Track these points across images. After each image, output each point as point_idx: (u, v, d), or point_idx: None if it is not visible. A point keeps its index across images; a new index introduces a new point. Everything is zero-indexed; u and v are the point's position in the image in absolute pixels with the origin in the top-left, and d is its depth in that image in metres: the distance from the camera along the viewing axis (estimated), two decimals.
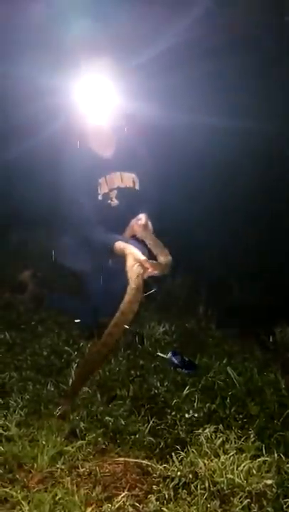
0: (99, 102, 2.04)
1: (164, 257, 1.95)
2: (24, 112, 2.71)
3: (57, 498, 1.19)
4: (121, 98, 2.05)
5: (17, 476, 1.27)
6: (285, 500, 1.26)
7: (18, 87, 2.67)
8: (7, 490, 1.21)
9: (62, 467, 1.30)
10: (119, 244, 1.92)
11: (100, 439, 1.44)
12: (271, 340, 2.36)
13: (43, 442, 1.38)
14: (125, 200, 2.16)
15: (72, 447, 1.38)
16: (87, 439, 1.43)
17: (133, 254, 1.85)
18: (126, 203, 2.15)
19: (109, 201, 2.14)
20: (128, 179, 2.18)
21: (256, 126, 2.67)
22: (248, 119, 2.65)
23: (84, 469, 1.31)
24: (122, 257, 1.89)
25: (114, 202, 2.15)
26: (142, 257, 1.85)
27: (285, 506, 1.25)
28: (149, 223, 2.06)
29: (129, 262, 1.83)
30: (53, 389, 1.67)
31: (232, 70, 2.88)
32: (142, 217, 2.05)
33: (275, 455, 1.43)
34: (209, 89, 2.85)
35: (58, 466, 1.30)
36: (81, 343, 1.99)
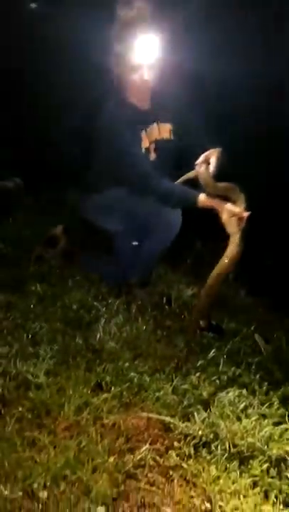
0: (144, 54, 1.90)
1: (241, 200, 1.81)
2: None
3: (81, 445, 1.24)
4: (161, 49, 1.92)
5: (44, 422, 1.32)
6: None
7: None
8: (35, 434, 1.27)
9: (88, 417, 1.35)
10: (205, 199, 1.82)
11: (124, 393, 1.48)
12: None
13: (70, 392, 1.43)
14: (163, 153, 2.07)
15: (98, 399, 1.42)
16: (112, 392, 1.47)
17: (226, 208, 1.78)
18: (164, 155, 2.06)
19: (149, 155, 2.05)
20: (165, 130, 2.07)
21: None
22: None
23: (108, 421, 1.36)
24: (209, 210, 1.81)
25: (153, 155, 2.06)
26: (236, 209, 1.77)
27: None
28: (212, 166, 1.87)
29: (225, 216, 1.77)
30: (81, 342, 1.71)
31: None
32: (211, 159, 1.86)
33: None
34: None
35: (83, 415, 1.35)
36: (110, 300, 2.01)
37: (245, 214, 1.76)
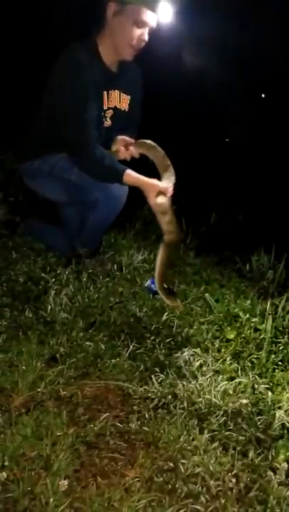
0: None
1: (170, 173, 1.79)
2: None
3: (39, 420, 1.20)
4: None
5: None
6: (259, 417, 1.34)
7: None
8: None
9: (44, 391, 1.31)
10: (130, 175, 1.78)
11: (80, 363, 1.45)
12: (248, 268, 2.39)
13: (23, 367, 1.37)
14: (118, 124, 1.98)
15: (53, 372, 1.38)
16: (67, 363, 1.43)
17: (150, 184, 1.74)
18: (118, 126, 1.97)
19: (103, 119, 1.95)
20: (124, 100, 1.99)
21: None
22: None
23: (65, 393, 1.33)
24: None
25: (108, 122, 1.97)
26: (162, 185, 1.74)
27: (258, 423, 1.32)
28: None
29: (151, 196, 1.73)
30: (31, 315, 1.64)
31: None
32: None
33: (250, 376, 1.49)
34: None
35: (39, 390, 1.31)
36: (58, 271, 1.94)
37: (169, 190, 1.73)
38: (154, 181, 1.77)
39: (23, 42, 3.13)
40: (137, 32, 1.84)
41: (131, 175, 1.79)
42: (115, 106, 1.98)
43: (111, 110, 1.97)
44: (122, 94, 1.99)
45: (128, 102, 2.02)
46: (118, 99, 1.99)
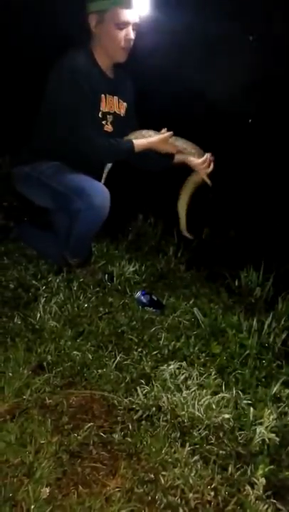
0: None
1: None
2: None
3: (23, 428, 1.21)
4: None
5: None
6: (240, 432, 1.36)
7: None
8: None
9: (29, 398, 1.32)
10: (138, 143, 1.96)
11: (66, 372, 1.47)
12: (237, 283, 2.43)
13: (10, 374, 1.38)
14: (119, 129, 2.06)
15: (39, 380, 1.40)
16: (54, 372, 1.45)
17: (158, 140, 1.98)
18: (119, 132, 2.05)
19: (104, 123, 2.03)
20: (122, 107, 2.08)
21: None
22: None
23: (51, 401, 1.34)
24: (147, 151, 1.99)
25: (109, 127, 2.05)
26: (165, 134, 1.99)
27: (239, 438, 1.34)
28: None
29: (165, 148, 2.01)
30: (20, 322, 1.65)
31: None
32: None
33: (234, 391, 1.52)
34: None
35: (24, 397, 1.32)
36: (49, 278, 1.96)
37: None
38: (159, 135, 1.99)
39: (21, 47, 3.17)
40: (122, 33, 1.92)
41: (138, 143, 1.96)
42: (114, 111, 2.05)
43: (111, 115, 2.04)
44: (119, 100, 2.07)
45: (125, 108, 2.09)
46: (116, 105, 2.06)
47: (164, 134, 1.99)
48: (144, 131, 2.03)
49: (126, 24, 1.91)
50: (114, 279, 2.11)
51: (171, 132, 1.99)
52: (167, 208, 2.84)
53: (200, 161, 2.06)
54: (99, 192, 1.92)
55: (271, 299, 2.28)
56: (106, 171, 2.11)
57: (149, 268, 2.33)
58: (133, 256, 2.41)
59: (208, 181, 2.11)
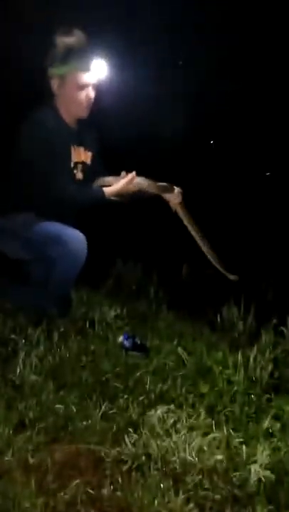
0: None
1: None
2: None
3: (5, 491, 1.14)
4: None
5: None
6: (234, 473, 1.31)
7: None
8: None
9: (11, 459, 1.25)
10: (108, 190, 2.04)
11: (50, 427, 1.41)
12: (219, 319, 2.43)
13: None
14: (88, 177, 2.16)
15: (21, 438, 1.33)
16: (36, 428, 1.39)
17: (125, 182, 2.05)
18: (88, 179, 2.15)
19: (75, 172, 2.13)
20: (87, 156, 2.18)
21: None
22: None
23: (34, 459, 1.27)
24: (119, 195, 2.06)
25: (79, 175, 2.14)
26: (130, 176, 2.06)
27: (234, 479, 1.29)
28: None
29: (132, 188, 2.07)
30: None
31: None
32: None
33: (225, 431, 1.47)
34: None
35: (5, 458, 1.25)
36: (29, 331, 1.92)
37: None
38: (124, 177, 2.05)
39: None
40: (83, 94, 2.05)
41: (108, 190, 2.04)
42: (82, 160, 2.15)
43: (80, 164, 2.14)
44: (85, 150, 2.18)
45: (90, 156, 2.20)
46: (83, 155, 2.17)
47: (128, 176, 2.07)
48: (106, 178, 2.13)
49: (86, 85, 2.05)
50: (96, 325, 2.09)
51: (134, 172, 2.07)
52: (145, 250, 2.88)
53: (170, 195, 2.18)
54: (75, 237, 1.99)
55: (254, 331, 2.28)
56: None
57: (130, 311, 2.31)
58: (114, 301, 2.41)
59: (182, 212, 2.20)
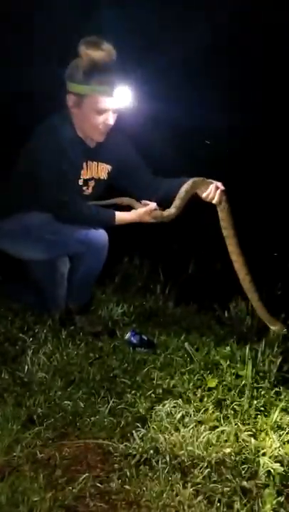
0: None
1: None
2: None
3: (15, 486, 1.15)
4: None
5: None
6: (243, 466, 1.30)
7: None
8: None
9: (20, 455, 1.27)
10: (120, 216, 1.94)
11: (58, 423, 1.41)
12: (227, 315, 2.41)
13: None
14: (97, 192, 2.06)
15: (30, 434, 1.34)
16: (45, 424, 1.40)
17: (141, 213, 1.93)
18: (97, 194, 2.06)
19: (85, 188, 2.02)
20: (103, 170, 2.04)
21: None
22: None
23: (42, 455, 1.28)
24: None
25: (89, 191, 2.03)
26: (147, 206, 1.92)
27: (243, 472, 1.28)
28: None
29: (149, 218, 1.94)
30: (7, 377, 1.61)
31: None
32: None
33: (233, 424, 1.47)
34: None
35: (15, 454, 1.26)
36: (36, 330, 1.94)
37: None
38: (140, 209, 1.92)
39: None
40: (100, 119, 1.84)
41: (120, 217, 1.93)
42: (93, 177, 2.02)
43: (92, 180, 2.02)
44: (100, 164, 2.02)
45: (107, 171, 2.05)
46: (96, 170, 2.02)
47: (147, 206, 1.90)
48: (125, 199, 1.97)
49: (106, 110, 1.83)
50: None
51: (154, 204, 1.91)
52: (152, 246, 2.87)
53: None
54: (98, 235, 1.99)
55: (262, 326, 2.26)
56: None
57: (137, 308, 2.32)
58: (120, 298, 2.41)
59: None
